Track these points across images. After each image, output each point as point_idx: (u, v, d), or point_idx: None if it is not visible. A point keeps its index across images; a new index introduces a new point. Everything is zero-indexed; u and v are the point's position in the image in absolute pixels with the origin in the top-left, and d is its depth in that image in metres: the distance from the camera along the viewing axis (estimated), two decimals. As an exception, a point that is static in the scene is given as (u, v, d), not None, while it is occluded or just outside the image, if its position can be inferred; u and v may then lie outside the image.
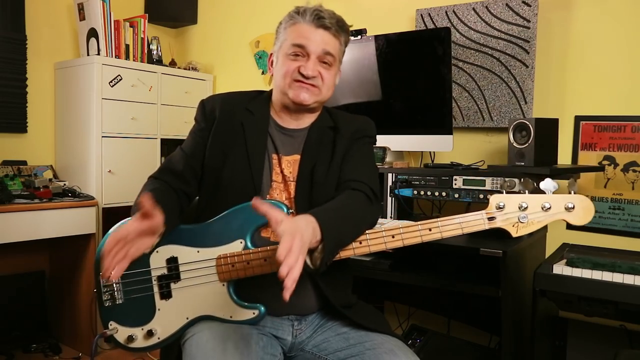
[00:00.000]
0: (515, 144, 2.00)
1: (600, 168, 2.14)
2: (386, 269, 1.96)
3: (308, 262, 1.12)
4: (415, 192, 2.16)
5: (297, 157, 1.36)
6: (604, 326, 1.99)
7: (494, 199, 1.20)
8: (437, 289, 2.24)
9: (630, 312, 1.59)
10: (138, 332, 1.27)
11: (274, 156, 1.36)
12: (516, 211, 1.19)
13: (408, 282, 1.98)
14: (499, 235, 1.81)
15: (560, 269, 1.66)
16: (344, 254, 1.20)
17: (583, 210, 1.18)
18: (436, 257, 2.00)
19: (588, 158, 2.21)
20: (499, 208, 1.20)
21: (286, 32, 1.34)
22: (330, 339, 1.28)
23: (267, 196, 1.33)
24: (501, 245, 1.70)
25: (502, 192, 1.21)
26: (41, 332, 2.88)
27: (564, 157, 2.23)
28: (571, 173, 2.09)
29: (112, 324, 1.29)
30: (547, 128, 2.01)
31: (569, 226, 2.25)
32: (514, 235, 1.20)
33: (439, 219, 1.21)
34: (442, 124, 2.26)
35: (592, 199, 2.20)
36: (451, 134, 2.24)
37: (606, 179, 2.17)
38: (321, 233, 1.08)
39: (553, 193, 1.19)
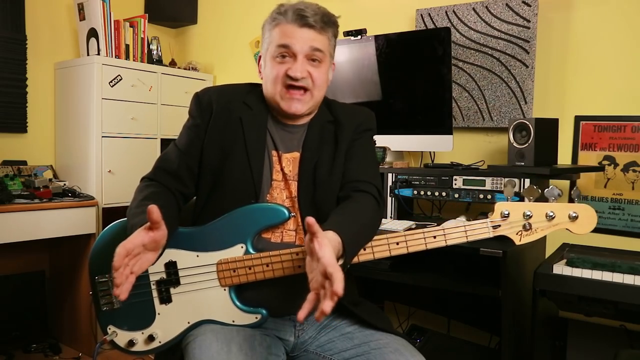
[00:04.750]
0: (515, 144, 2.00)
1: (600, 168, 2.14)
2: (386, 269, 1.96)
3: None
4: (415, 192, 2.16)
5: (297, 154, 1.32)
6: (604, 326, 1.99)
7: (499, 207, 1.21)
8: (437, 289, 2.24)
9: (630, 312, 1.60)
10: (138, 336, 1.26)
11: (274, 153, 1.32)
12: (521, 220, 1.21)
13: (408, 282, 1.98)
14: (499, 235, 1.82)
15: (560, 269, 1.66)
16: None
17: (586, 220, 1.20)
18: (436, 257, 1.99)
19: (588, 158, 2.21)
20: (504, 216, 1.21)
21: (271, 33, 1.30)
22: (334, 340, 1.27)
23: (267, 195, 1.30)
24: (501, 245, 1.69)
25: (507, 200, 1.22)
26: (41, 332, 2.88)
27: (564, 157, 2.23)
28: (571, 173, 2.09)
29: (111, 328, 1.27)
30: (547, 128, 2.01)
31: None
32: (517, 242, 1.22)
33: (443, 226, 1.21)
34: (442, 124, 2.26)
35: (592, 199, 2.20)
36: (451, 134, 2.24)
37: (606, 179, 2.17)
38: (343, 251, 1.08)
39: (557, 200, 1.20)
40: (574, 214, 1.19)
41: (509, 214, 1.20)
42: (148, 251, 1.09)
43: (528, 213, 1.20)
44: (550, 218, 1.19)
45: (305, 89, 1.28)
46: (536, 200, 1.21)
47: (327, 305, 0.95)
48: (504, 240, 1.78)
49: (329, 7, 1.33)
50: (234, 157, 1.29)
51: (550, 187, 1.21)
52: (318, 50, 1.27)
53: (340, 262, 1.07)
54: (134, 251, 1.06)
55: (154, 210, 1.05)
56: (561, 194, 1.20)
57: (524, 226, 1.20)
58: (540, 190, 1.21)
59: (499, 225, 1.21)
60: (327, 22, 1.28)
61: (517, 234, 1.21)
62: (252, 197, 1.27)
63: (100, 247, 1.31)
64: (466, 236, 1.21)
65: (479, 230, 1.22)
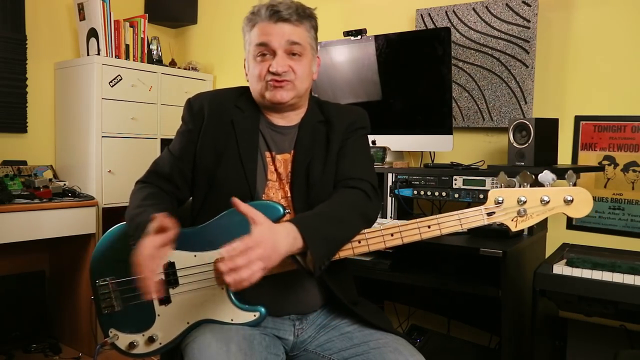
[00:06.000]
0: (515, 144, 2.00)
1: (600, 168, 2.14)
2: (386, 269, 1.96)
3: (303, 265, 1.13)
4: (415, 192, 2.16)
5: (288, 156, 1.33)
6: (604, 326, 1.99)
7: (492, 194, 1.20)
8: (437, 289, 2.24)
9: (630, 312, 1.60)
10: (139, 338, 1.26)
11: (267, 154, 1.33)
12: (515, 205, 1.19)
13: (408, 282, 1.98)
14: (499, 235, 1.83)
15: (560, 269, 1.66)
16: (343, 253, 1.20)
17: (582, 203, 1.18)
18: (436, 257, 2.00)
19: (588, 158, 2.21)
20: (498, 203, 1.19)
21: (249, 35, 1.32)
22: (334, 339, 1.27)
23: (263, 196, 1.30)
24: (501, 245, 1.70)
25: (501, 187, 1.21)
26: (41, 332, 2.88)
27: (564, 157, 2.23)
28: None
29: (112, 331, 1.27)
30: (547, 128, 2.01)
31: (569, 226, 2.25)
32: (513, 229, 1.20)
33: (437, 216, 1.20)
34: (442, 124, 2.26)
35: (592, 199, 2.20)
36: (451, 134, 2.24)
37: (606, 179, 2.17)
38: (304, 241, 1.08)
39: (552, 185, 1.19)
40: (569, 198, 1.17)
41: (503, 200, 1.19)
42: (162, 248, 1.13)
43: (522, 199, 1.18)
44: (545, 203, 1.18)
45: (287, 81, 1.29)
46: (531, 186, 1.19)
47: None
48: (504, 240, 1.79)
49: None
50: (228, 159, 1.30)
51: (544, 171, 1.19)
52: (296, 43, 1.28)
53: (308, 252, 1.09)
54: (155, 254, 1.10)
55: (162, 216, 1.11)
56: (555, 179, 1.18)
57: (519, 212, 1.18)
58: (533, 176, 1.20)
59: (494, 212, 1.19)
60: (302, 15, 1.29)
61: (512, 220, 1.19)
62: (248, 197, 1.27)
63: (101, 251, 1.32)
64: (460, 224, 1.19)
65: (473, 217, 1.20)
